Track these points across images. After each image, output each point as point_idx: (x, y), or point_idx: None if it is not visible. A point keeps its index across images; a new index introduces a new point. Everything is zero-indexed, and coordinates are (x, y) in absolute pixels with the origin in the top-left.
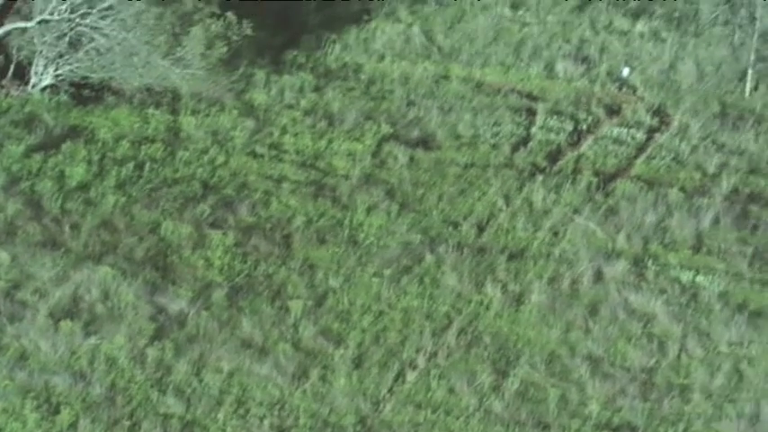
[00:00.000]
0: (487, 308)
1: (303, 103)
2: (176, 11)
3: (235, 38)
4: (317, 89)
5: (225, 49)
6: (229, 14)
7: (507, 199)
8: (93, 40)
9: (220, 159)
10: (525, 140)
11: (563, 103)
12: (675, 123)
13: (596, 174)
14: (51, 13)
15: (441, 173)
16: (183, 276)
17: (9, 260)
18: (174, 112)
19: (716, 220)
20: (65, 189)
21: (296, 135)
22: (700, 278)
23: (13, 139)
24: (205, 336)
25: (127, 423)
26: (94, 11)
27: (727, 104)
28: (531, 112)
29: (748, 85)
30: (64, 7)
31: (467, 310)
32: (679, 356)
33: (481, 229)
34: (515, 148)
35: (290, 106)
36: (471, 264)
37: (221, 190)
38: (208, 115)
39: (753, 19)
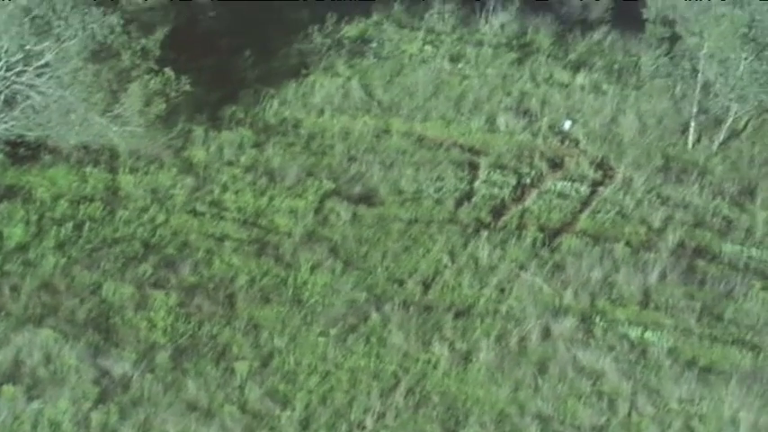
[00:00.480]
0: (435, 367)
1: (243, 159)
2: (114, 67)
3: (173, 94)
4: (256, 145)
5: (163, 105)
6: (167, 70)
7: (452, 255)
8: (28, 98)
9: (161, 218)
10: (469, 195)
11: (506, 156)
12: (619, 177)
13: (541, 229)
14: None
15: (384, 229)
16: (126, 338)
17: None
18: (113, 170)
19: (663, 275)
20: (3, 250)
21: (237, 192)
22: (648, 334)
23: None
24: (150, 399)
25: None
26: (30, 68)
27: (670, 157)
28: (474, 167)
29: (690, 138)
30: None
31: (414, 370)
32: (629, 414)
33: (427, 287)
34: (459, 204)
35: (230, 163)
36: (418, 322)
37: (162, 249)
38: (147, 173)
39: (694, 71)
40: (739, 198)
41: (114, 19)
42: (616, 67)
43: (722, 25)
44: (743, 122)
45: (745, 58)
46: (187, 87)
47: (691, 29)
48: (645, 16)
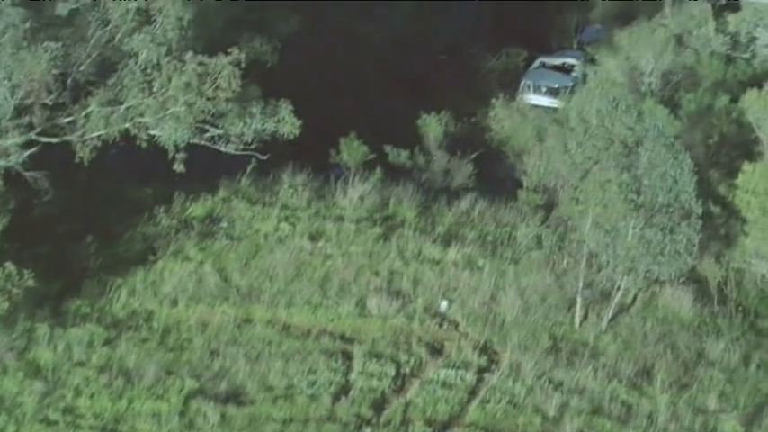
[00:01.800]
0: None
1: (94, 358)
2: None
3: (15, 291)
4: (107, 342)
5: (6, 304)
6: (9, 265)
7: None
8: None
9: (11, 429)
10: (345, 389)
11: (381, 343)
12: (505, 361)
13: (428, 423)
14: None
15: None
16: None
17: None
18: None
19: None
20: None
21: (91, 396)
22: None
23: None
24: None
25: None
26: None
27: (558, 337)
28: (348, 356)
29: (577, 315)
30: None
31: None
32: None
33: None
34: (336, 399)
35: (81, 363)
36: None
37: None
38: None
39: (578, 242)
40: (636, 380)
41: None
42: (489, 239)
43: (608, 191)
44: (631, 296)
45: (634, 227)
46: (30, 282)
47: (574, 196)
48: (524, 185)
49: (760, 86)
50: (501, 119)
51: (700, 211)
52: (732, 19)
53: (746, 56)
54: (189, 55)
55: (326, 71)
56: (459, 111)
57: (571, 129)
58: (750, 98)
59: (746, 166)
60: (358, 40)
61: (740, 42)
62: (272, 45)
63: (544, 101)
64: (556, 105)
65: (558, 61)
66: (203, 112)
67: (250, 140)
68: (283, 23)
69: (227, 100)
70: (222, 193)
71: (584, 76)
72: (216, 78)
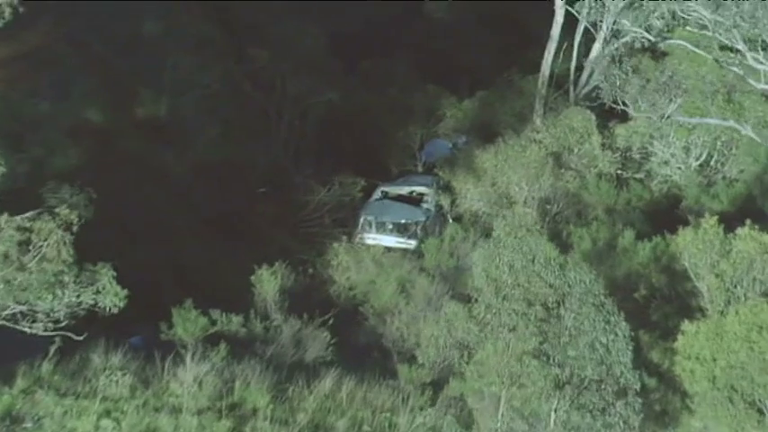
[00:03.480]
0: None
1: None
2: None
3: None
4: None
5: None
6: None
7: None
8: None
9: None
10: None
11: None
12: None
13: None
14: None
15: None
16: None
17: None
18: None
19: None
20: None
21: None
22: None
23: None
24: None
25: None
26: None
27: None
28: None
29: None
30: None
31: None
32: None
33: None
34: None
35: None
36: None
37: None
38: None
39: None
40: None
41: None
42: (365, 429)
43: (526, 366)
44: None
45: (557, 409)
46: None
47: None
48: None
49: (688, 223)
50: (346, 268)
51: (638, 386)
52: (621, 131)
53: (640, 176)
54: (4, 218)
55: (118, 215)
56: (288, 256)
57: (477, 289)
58: (684, 240)
59: (687, 326)
60: (153, 172)
61: (632, 159)
62: (85, 195)
63: (390, 240)
64: (406, 245)
65: (404, 189)
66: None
67: (62, 317)
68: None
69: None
70: (21, 382)
71: (439, 208)
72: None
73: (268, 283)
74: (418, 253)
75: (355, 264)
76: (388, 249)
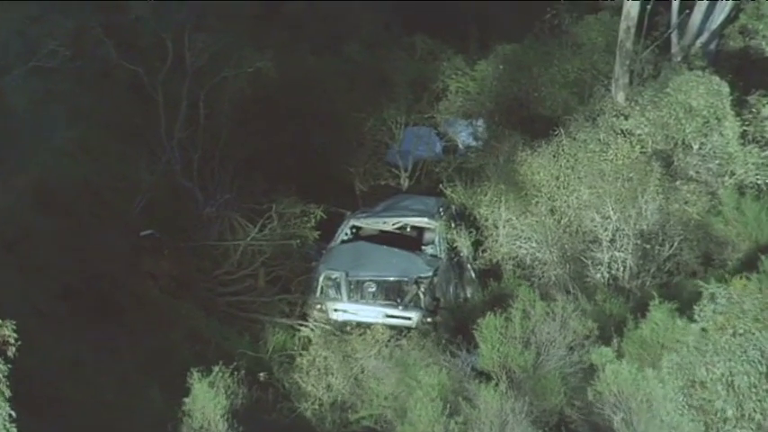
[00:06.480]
0: None
1: None
2: None
3: None
4: None
5: None
6: None
7: None
8: None
9: None
10: None
11: None
12: None
13: None
14: None
15: None
16: None
17: None
18: None
19: None
20: None
21: None
22: None
23: None
24: None
25: None
26: None
27: None
28: None
29: None
30: None
31: None
32: None
33: None
34: None
35: None
36: None
37: None
38: None
39: None
40: None
41: None
42: None
43: None
44: None
45: None
46: None
47: None
48: None
49: None
50: (324, 371)
51: None
52: None
53: None
54: None
55: None
56: (203, 350)
57: None
58: None
59: None
60: None
61: None
62: None
63: (373, 313)
64: (402, 321)
65: (390, 222)
66: None
67: None
68: None
69: None
70: None
71: (453, 253)
72: None
73: (209, 405)
74: (423, 332)
75: (338, 368)
76: (369, 328)
